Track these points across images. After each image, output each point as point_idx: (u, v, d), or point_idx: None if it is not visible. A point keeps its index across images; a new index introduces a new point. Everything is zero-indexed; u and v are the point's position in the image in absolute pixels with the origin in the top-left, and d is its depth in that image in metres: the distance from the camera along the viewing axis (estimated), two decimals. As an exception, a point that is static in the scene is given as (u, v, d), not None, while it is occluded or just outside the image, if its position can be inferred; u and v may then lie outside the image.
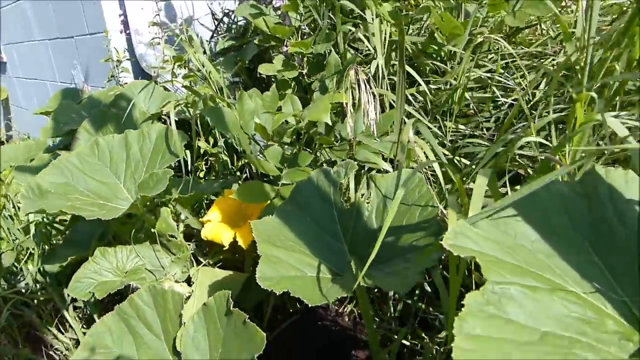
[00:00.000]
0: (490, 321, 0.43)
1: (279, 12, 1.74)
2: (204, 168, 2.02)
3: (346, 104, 1.13)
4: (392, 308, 1.23)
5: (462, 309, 0.44)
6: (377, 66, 1.18)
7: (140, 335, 0.93)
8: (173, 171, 1.31)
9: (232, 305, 0.84)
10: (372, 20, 1.20)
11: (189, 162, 1.82)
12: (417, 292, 1.20)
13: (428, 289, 1.15)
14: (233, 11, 2.44)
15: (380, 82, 1.18)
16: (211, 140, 1.91)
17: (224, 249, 1.35)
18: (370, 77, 1.14)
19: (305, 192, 0.98)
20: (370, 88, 1.03)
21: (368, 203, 0.93)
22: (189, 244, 1.37)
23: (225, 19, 2.50)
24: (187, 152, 1.84)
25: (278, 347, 1.25)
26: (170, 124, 1.43)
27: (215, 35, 2.52)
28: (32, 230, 1.47)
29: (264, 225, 0.92)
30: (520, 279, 0.47)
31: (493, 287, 0.46)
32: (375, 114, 0.96)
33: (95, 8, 2.72)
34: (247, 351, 0.78)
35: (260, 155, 1.45)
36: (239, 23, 2.39)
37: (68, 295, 1.49)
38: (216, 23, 2.53)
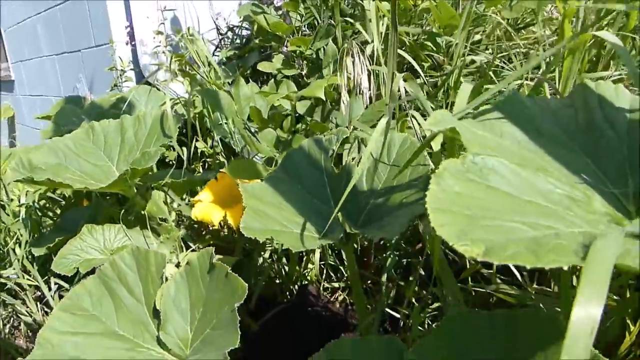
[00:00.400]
0: (470, 184, 0.40)
1: (279, 12, 1.76)
2: (201, 170, 2.01)
3: (341, 83, 1.13)
4: (385, 297, 1.19)
5: (439, 167, 0.41)
6: (373, 51, 1.18)
7: (120, 297, 0.90)
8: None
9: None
10: (369, 7, 1.21)
11: (185, 161, 1.82)
12: (410, 278, 1.17)
13: (422, 272, 1.12)
14: (237, 26, 2.49)
15: (375, 63, 1.18)
16: (209, 142, 1.91)
17: (214, 232, 1.33)
18: (367, 56, 1.14)
19: (296, 159, 0.97)
20: (366, 65, 1.03)
21: (359, 166, 0.91)
22: (180, 231, 1.34)
23: (230, 34, 2.55)
24: (184, 149, 1.84)
25: (265, 337, 1.21)
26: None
27: (219, 48, 2.56)
28: (22, 214, 1.44)
29: (252, 187, 0.90)
30: (504, 157, 0.44)
31: (474, 158, 0.43)
32: (368, 83, 0.95)
33: (103, 20, 2.77)
34: (228, 303, 0.75)
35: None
36: (243, 33, 2.44)
37: (55, 284, 1.46)
38: (220, 37, 2.58)
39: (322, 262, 1.36)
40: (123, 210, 1.27)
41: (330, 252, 1.39)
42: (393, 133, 0.88)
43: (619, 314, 0.61)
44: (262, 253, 1.38)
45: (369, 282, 1.30)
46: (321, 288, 1.33)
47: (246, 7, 1.78)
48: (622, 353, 0.62)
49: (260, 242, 0.74)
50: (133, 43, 2.69)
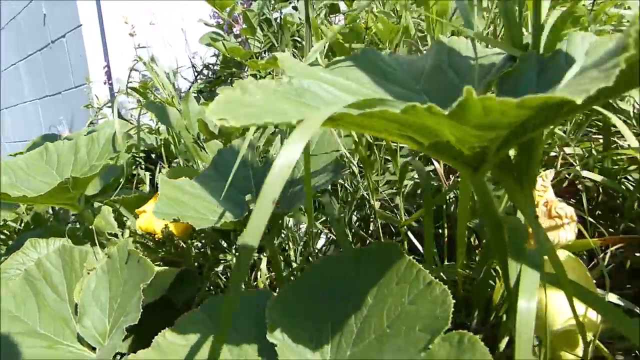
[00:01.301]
0: (279, 99, 0.41)
1: (239, 40, 1.82)
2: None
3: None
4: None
5: (243, 81, 0.42)
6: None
7: (44, 297, 0.89)
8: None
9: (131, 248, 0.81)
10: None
11: (147, 185, 1.83)
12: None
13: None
14: (212, 64, 2.57)
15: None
16: (175, 168, 1.93)
17: (168, 246, 1.33)
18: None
19: (225, 157, 0.98)
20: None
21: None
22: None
23: (205, 71, 2.63)
24: (147, 174, 1.86)
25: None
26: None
27: (193, 84, 2.63)
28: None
29: (177, 181, 0.91)
30: (326, 84, 0.45)
31: (290, 80, 0.43)
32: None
33: (82, 61, 2.85)
34: (138, 287, 0.75)
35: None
36: (216, 68, 2.51)
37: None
38: (196, 74, 2.65)
39: (274, 273, 1.36)
40: (69, 225, 1.27)
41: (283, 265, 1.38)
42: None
43: (486, 263, 0.60)
44: (216, 267, 1.37)
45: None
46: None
47: (207, 35, 1.85)
48: (497, 303, 0.61)
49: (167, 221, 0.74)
50: (110, 82, 2.76)
